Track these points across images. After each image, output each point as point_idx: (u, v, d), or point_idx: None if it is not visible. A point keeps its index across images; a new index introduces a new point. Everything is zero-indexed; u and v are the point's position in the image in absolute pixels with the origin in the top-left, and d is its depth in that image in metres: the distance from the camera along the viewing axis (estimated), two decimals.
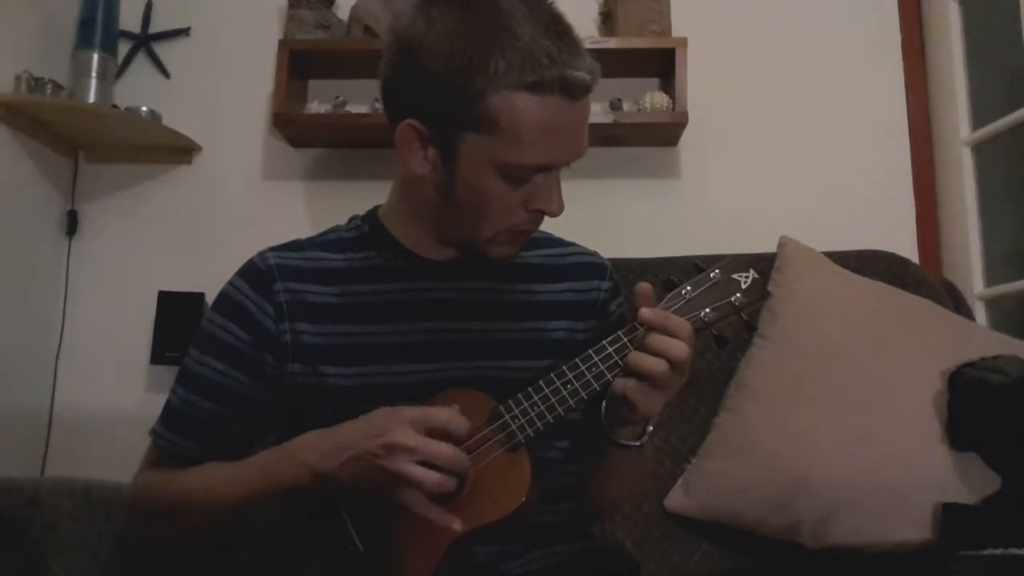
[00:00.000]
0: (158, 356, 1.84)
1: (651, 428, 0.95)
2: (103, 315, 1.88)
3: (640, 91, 1.83)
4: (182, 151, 1.94)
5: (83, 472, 1.14)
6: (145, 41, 1.96)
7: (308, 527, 0.89)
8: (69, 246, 1.91)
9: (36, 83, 1.72)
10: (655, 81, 1.90)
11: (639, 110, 1.81)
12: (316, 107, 1.91)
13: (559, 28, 0.86)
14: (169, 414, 0.97)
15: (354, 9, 1.86)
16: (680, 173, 1.91)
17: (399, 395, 0.87)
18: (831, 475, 1.27)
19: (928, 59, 1.91)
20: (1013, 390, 1.20)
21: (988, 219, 1.77)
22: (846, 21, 1.93)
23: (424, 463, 0.78)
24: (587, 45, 0.88)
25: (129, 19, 1.94)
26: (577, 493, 1.04)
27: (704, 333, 0.89)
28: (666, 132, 1.83)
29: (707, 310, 0.89)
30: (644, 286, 0.88)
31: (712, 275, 0.90)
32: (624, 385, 0.86)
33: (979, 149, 1.80)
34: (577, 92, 0.85)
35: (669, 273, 0.93)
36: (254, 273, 0.98)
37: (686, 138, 1.86)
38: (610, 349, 0.87)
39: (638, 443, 0.94)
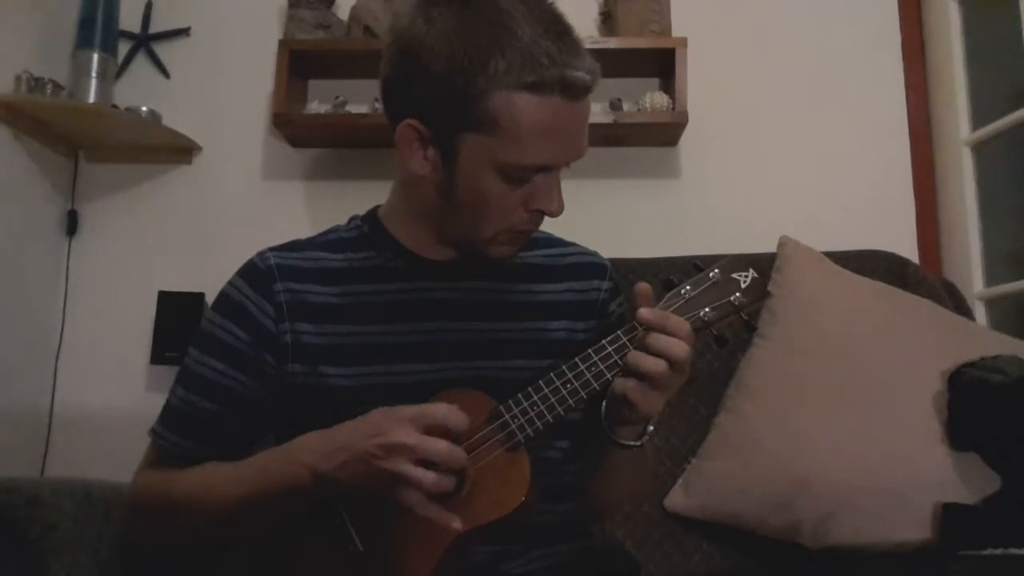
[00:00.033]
0: (158, 356, 1.84)
1: (651, 428, 0.95)
2: (103, 315, 1.88)
3: (640, 91, 1.83)
4: (182, 151, 1.94)
5: (83, 472, 1.14)
6: (145, 41, 1.96)
7: (308, 527, 0.89)
8: (69, 246, 1.91)
9: (36, 83, 1.72)
10: (655, 81, 1.90)
11: (639, 110, 1.81)
12: (316, 107, 1.90)
13: (559, 28, 0.86)
14: (169, 414, 0.97)
15: (354, 9, 1.86)
16: (680, 173, 1.91)
17: (399, 395, 0.87)
18: (831, 475, 1.27)
19: (928, 59, 1.91)
20: (1013, 390, 1.20)
21: (988, 219, 1.76)
22: (846, 21, 1.93)
23: (423, 461, 0.78)
24: (587, 45, 0.88)
25: (129, 19, 1.94)
26: (577, 493, 1.04)
27: (704, 333, 0.89)
28: (666, 132, 1.83)
29: (707, 310, 0.89)
30: (643, 286, 0.88)
31: (711, 275, 0.90)
32: (624, 385, 0.86)
33: (979, 149, 1.80)
34: (577, 92, 0.85)
35: (669, 273, 0.93)
36: (254, 273, 0.98)
37: (686, 138, 1.86)
38: (610, 349, 0.87)
39: (638, 443, 0.94)
